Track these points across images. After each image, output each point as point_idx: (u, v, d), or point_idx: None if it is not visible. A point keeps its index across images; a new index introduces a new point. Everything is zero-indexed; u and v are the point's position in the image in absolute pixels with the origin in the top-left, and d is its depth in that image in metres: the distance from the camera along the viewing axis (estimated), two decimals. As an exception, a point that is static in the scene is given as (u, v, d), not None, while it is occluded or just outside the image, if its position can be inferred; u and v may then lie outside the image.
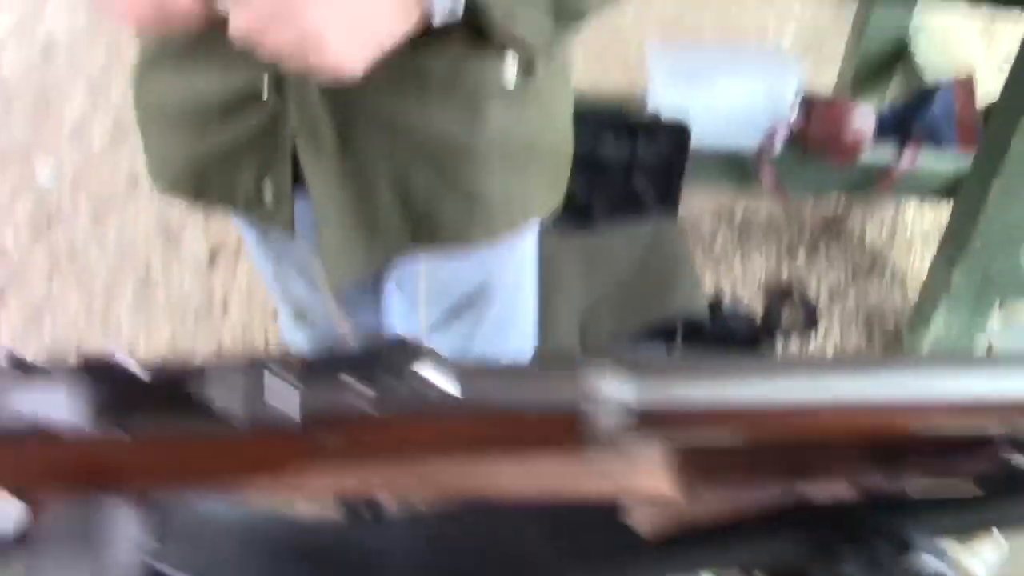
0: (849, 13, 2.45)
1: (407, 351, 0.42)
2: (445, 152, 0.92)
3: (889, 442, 0.45)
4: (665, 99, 1.96)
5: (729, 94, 2.00)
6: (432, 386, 0.41)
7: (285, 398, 0.41)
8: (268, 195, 0.93)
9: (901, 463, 0.46)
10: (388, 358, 0.41)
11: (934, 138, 2.00)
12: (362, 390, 0.41)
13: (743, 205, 2.31)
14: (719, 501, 0.47)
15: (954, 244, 1.79)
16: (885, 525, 0.46)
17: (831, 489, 0.47)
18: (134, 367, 0.42)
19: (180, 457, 0.42)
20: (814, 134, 1.91)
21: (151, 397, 0.41)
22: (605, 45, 2.67)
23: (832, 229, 2.29)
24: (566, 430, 0.42)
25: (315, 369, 0.42)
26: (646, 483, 0.46)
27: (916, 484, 0.47)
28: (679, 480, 0.46)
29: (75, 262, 2.18)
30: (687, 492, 0.46)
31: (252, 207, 0.95)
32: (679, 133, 1.68)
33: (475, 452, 0.43)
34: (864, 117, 1.93)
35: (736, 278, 2.14)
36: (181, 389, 0.41)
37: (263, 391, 0.41)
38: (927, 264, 1.95)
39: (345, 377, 0.41)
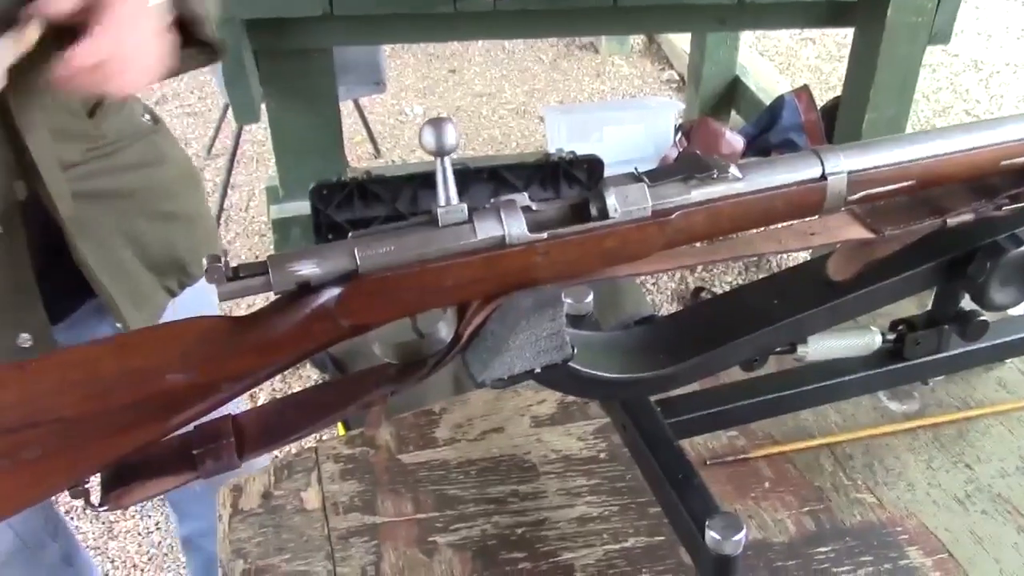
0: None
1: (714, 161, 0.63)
2: (159, 194, 1.01)
3: (989, 177, 0.70)
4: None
5: (616, 140, 2.32)
6: (737, 177, 0.62)
7: (642, 199, 0.61)
8: (27, 343, 0.90)
9: (996, 192, 0.70)
10: (709, 165, 0.62)
11: (788, 144, 2.37)
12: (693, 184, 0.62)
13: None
14: (892, 241, 0.70)
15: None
16: (1000, 231, 0.71)
17: (960, 218, 0.70)
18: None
19: (578, 253, 0.61)
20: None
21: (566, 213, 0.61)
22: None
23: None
24: (813, 199, 0.64)
25: (656, 176, 0.62)
26: (845, 233, 0.69)
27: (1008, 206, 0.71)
28: (867, 225, 0.68)
29: None
30: (873, 231, 0.68)
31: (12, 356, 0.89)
32: (595, 164, 1.95)
33: (757, 224, 0.65)
34: (734, 136, 2.27)
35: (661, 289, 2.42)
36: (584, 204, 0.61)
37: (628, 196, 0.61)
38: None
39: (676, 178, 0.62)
